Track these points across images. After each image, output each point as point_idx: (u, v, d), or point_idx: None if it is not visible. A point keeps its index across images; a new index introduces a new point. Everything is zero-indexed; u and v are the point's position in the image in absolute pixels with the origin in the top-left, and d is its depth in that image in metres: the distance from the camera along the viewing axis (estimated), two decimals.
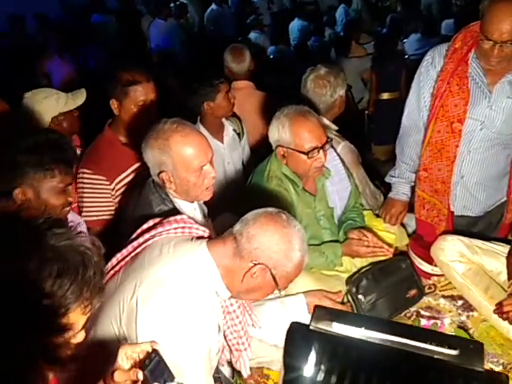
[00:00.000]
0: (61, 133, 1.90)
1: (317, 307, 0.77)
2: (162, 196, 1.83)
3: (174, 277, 1.45)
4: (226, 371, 1.91)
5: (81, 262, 0.95)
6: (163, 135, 1.77)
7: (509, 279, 2.02)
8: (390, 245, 2.31)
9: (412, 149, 2.41)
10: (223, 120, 2.90)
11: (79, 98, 2.37)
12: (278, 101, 2.85)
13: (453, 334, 2.01)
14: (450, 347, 0.64)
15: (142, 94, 2.18)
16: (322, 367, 0.68)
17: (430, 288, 2.33)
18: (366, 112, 4.88)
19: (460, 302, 2.22)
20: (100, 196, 2.19)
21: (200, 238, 1.60)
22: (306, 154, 2.10)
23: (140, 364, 1.19)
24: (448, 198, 2.36)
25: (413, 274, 2.26)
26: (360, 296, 2.13)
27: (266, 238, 1.45)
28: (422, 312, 2.20)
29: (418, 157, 2.38)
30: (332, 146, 2.35)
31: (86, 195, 2.17)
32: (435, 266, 2.31)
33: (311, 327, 0.72)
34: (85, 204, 2.18)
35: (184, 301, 1.43)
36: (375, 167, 3.76)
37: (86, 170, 2.17)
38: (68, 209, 1.76)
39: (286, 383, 0.70)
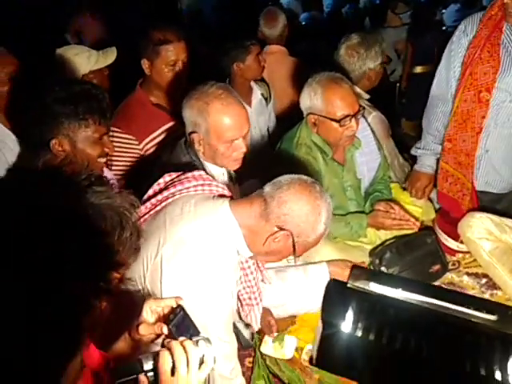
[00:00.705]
0: (95, 84, 1.89)
1: (354, 266, 0.76)
2: (193, 158, 1.83)
3: (196, 236, 1.46)
4: (246, 333, 1.95)
5: (119, 223, 0.95)
6: (205, 98, 1.75)
7: None
8: (416, 218, 2.29)
9: (439, 120, 2.36)
10: (252, 83, 2.88)
11: (110, 56, 2.37)
12: (309, 68, 2.80)
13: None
14: (488, 312, 0.63)
15: (173, 53, 2.16)
16: (360, 324, 0.68)
17: (453, 264, 2.31)
18: (398, 85, 4.76)
19: (484, 280, 2.20)
20: (129, 156, 2.21)
21: (221, 196, 1.59)
22: (338, 121, 2.07)
23: (165, 318, 1.21)
24: (472, 172, 2.32)
25: (437, 249, 2.24)
26: (383, 268, 2.13)
27: (298, 207, 1.44)
28: (445, 287, 2.18)
29: (444, 128, 2.34)
30: (363, 116, 2.31)
31: (115, 154, 2.18)
32: (461, 242, 2.29)
33: (349, 285, 0.72)
34: (114, 163, 2.20)
35: (207, 259, 1.45)
36: (404, 141, 3.69)
37: (115, 129, 2.18)
38: (104, 159, 1.77)
39: (325, 339, 0.70)
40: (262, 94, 2.94)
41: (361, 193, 2.36)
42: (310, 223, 1.46)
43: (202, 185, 1.59)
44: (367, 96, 2.69)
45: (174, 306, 1.22)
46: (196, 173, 1.63)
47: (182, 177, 1.62)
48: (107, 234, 0.86)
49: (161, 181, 1.65)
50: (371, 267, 2.13)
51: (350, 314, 0.70)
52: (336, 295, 0.75)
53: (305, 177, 1.51)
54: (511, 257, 2.08)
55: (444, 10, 5.45)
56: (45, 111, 1.64)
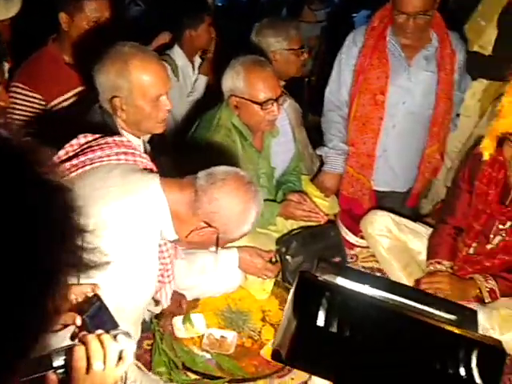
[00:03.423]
0: None
1: (318, 260, 0.75)
2: (109, 125, 1.70)
3: (120, 220, 1.35)
4: (146, 315, 1.88)
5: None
6: (122, 57, 1.63)
7: (427, 259, 2.15)
8: (323, 212, 2.36)
9: (339, 123, 2.51)
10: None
11: (13, 7, 2.10)
12: (229, 49, 2.78)
13: None
14: (448, 312, 0.65)
15: (96, 10, 1.99)
16: (334, 320, 0.66)
17: (351, 258, 2.43)
18: (307, 79, 4.87)
19: (378, 275, 2.33)
20: (33, 117, 2.00)
21: (147, 169, 1.49)
22: (260, 104, 2.06)
23: (78, 308, 1.09)
24: (371, 172, 2.51)
25: (339, 242, 2.34)
26: (288, 257, 2.17)
27: (229, 207, 1.40)
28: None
29: (345, 129, 2.49)
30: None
31: (16, 113, 1.97)
32: (360, 237, 2.41)
33: (320, 278, 0.70)
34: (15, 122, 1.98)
35: (130, 245, 1.36)
36: (310, 135, 3.79)
37: (19, 85, 1.97)
38: None
39: (299, 335, 0.67)
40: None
41: (273, 181, 2.38)
42: (237, 223, 1.44)
43: (125, 153, 1.46)
44: (282, 82, 2.69)
45: (90, 294, 1.11)
46: (117, 138, 1.50)
47: (102, 141, 1.47)
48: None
49: (74, 142, 1.48)
50: (278, 255, 2.16)
51: (322, 310, 0.68)
52: (307, 289, 0.72)
53: (242, 173, 1.47)
54: (405, 255, 2.24)
55: (355, 15, 5.66)
56: None
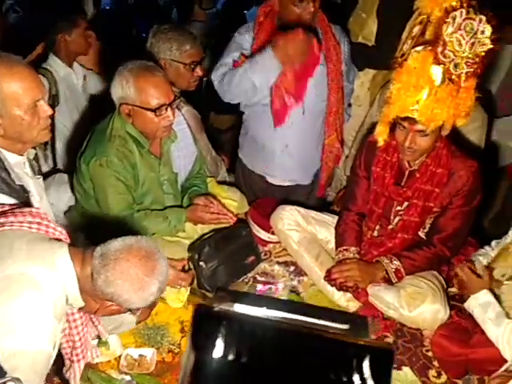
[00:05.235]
0: None
1: (217, 289, 0.73)
2: None
3: (25, 278, 1.28)
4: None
5: None
6: None
7: (336, 248, 2.21)
8: (232, 212, 2.34)
9: None
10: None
11: None
12: (117, 54, 2.67)
13: (286, 298, 2.15)
14: (340, 322, 0.67)
15: None
16: (231, 348, 0.65)
17: (265, 254, 2.43)
18: (205, 79, 4.83)
19: (292, 268, 2.35)
20: None
21: (58, 240, 1.42)
22: (154, 111, 1.99)
23: None
24: (273, 168, 2.59)
25: (252, 241, 2.33)
26: (201, 263, 2.13)
27: (125, 287, 1.34)
28: (259, 277, 2.28)
29: None
30: (178, 109, 2.27)
31: None
32: (272, 233, 2.42)
33: (216, 308, 0.68)
34: None
35: (30, 303, 1.27)
36: (214, 136, 3.77)
37: None
38: None
39: (198, 365, 0.64)
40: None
41: (177, 187, 2.33)
42: (139, 299, 1.37)
43: (39, 223, 1.40)
44: (177, 89, 2.63)
45: None
46: (34, 209, 1.45)
47: (17, 210, 1.42)
48: None
49: None
50: (191, 262, 2.11)
51: (220, 339, 0.66)
52: (205, 320, 0.69)
53: (138, 244, 1.39)
54: (315, 245, 2.28)
55: (246, 12, 5.71)
56: None
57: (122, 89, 1.99)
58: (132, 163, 2.08)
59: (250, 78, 2.29)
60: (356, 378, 0.66)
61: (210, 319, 0.70)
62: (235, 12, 4.78)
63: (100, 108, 2.71)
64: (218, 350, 0.69)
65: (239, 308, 0.73)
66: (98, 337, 1.72)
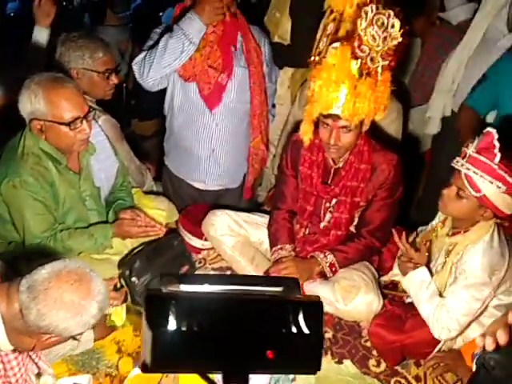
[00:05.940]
0: None
1: (161, 275, 0.85)
2: None
3: None
4: None
5: None
6: None
7: (270, 248, 2.20)
8: (160, 223, 2.27)
9: None
10: None
11: None
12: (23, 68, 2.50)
13: None
14: (275, 286, 0.86)
15: None
16: (183, 321, 0.78)
17: (200, 262, 2.39)
18: (125, 85, 4.69)
19: (228, 273, 2.33)
20: None
21: None
22: (68, 125, 1.88)
23: None
24: (200, 173, 2.58)
25: (184, 250, 2.27)
26: (133, 278, 2.04)
27: (60, 316, 1.26)
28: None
29: None
30: (94, 120, 2.17)
31: None
32: (205, 240, 2.38)
33: (164, 290, 0.81)
34: None
35: None
36: (136, 142, 3.67)
37: None
38: None
39: (156, 339, 0.78)
40: None
41: (101, 202, 2.22)
42: (78, 325, 1.30)
43: None
44: (93, 99, 2.51)
45: None
46: None
47: None
48: None
49: None
50: (122, 279, 2.03)
51: (171, 316, 0.78)
52: (155, 301, 0.80)
53: (68, 268, 1.31)
54: (249, 248, 2.26)
55: (162, 14, 5.60)
56: None
57: (31, 103, 1.86)
58: (49, 181, 1.96)
59: (178, 39, 2.26)
60: (294, 329, 0.80)
61: (160, 300, 0.80)
62: (149, 15, 4.66)
63: None
64: (172, 324, 0.78)
65: (185, 288, 0.84)
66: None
